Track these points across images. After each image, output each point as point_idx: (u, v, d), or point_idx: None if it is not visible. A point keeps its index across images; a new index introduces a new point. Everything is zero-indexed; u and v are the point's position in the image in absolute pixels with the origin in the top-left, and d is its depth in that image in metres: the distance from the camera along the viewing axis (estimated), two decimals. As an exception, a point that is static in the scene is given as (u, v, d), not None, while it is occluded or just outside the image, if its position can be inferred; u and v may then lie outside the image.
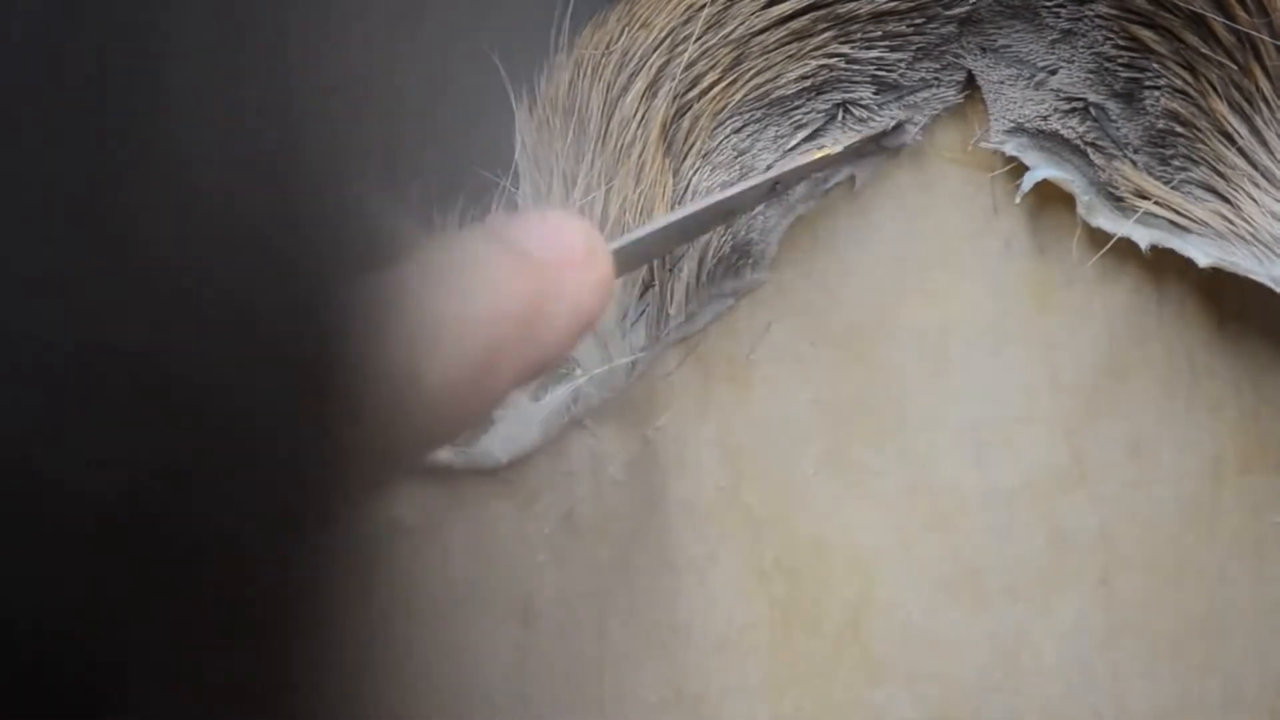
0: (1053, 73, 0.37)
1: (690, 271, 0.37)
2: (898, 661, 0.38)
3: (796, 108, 0.38)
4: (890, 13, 0.37)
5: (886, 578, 0.39)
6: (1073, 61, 0.37)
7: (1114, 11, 0.36)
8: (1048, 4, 0.37)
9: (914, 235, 0.38)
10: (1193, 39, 0.35)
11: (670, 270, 0.37)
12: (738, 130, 0.37)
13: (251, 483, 0.16)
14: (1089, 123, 0.37)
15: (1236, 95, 0.35)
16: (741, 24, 0.37)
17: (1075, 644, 0.38)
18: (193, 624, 0.16)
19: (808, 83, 0.38)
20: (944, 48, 0.38)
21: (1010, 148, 0.38)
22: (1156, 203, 0.36)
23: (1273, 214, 0.35)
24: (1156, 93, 0.36)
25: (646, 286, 0.37)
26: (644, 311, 0.38)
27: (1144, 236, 0.37)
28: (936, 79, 0.38)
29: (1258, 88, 0.35)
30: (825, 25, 0.37)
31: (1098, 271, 0.38)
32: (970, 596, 0.38)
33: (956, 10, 0.37)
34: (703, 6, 0.37)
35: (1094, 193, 0.37)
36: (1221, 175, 0.36)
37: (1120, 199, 0.37)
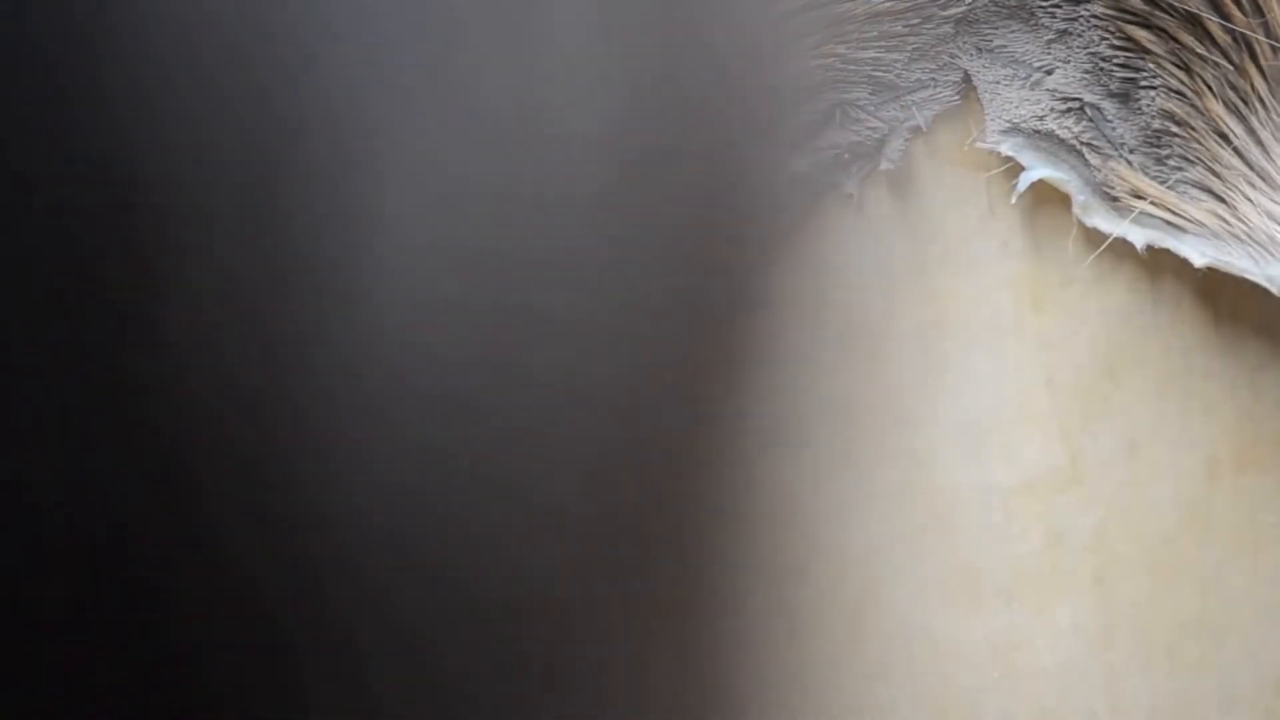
0: (1049, 73, 0.37)
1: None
2: (895, 661, 0.38)
3: (793, 108, 0.38)
4: (886, 13, 0.37)
5: (884, 578, 0.39)
6: (1068, 62, 0.37)
7: (1110, 12, 0.36)
8: (1043, 4, 0.37)
9: (910, 236, 0.38)
10: (1188, 39, 0.35)
11: None
12: (735, 130, 0.37)
13: None
14: (1085, 123, 0.37)
15: (1232, 95, 0.35)
16: (738, 24, 0.37)
17: (1071, 644, 0.38)
18: None
19: (804, 83, 0.38)
20: (940, 48, 0.38)
21: (1006, 148, 0.38)
22: (1152, 202, 0.36)
23: (1268, 213, 0.35)
24: (1152, 93, 0.36)
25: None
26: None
27: (1140, 236, 0.37)
28: (933, 79, 0.38)
29: (1253, 88, 0.35)
30: (821, 25, 0.37)
31: (1094, 271, 0.38)
32: (967, 596, 0.38)
33: (952, 11, 0.37)
34: (700, 6, 0.37)
35: (1090, 192, 0.37)
36: (1217, 175, 0.36)
37: (1116, 199, 0.37)
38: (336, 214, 0.13)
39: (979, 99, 0.38)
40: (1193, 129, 0.36)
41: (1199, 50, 0.35)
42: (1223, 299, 0.38)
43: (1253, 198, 0.35)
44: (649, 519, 0.17)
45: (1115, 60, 0.37)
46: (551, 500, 0.15)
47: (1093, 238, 0.38)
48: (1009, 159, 0.38)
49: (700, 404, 0.18)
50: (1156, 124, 0.36)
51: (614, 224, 0.15)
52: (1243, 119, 0.35)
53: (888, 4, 0.37)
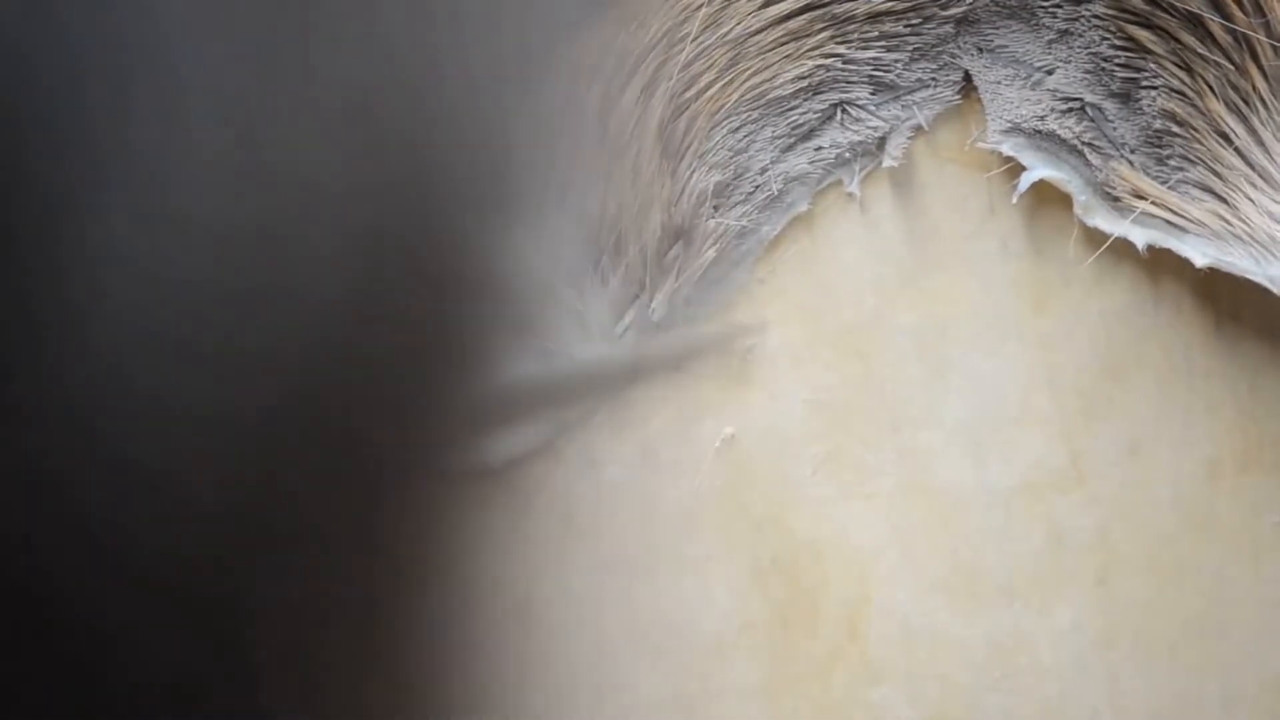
0: (1050, 73, 0.37)
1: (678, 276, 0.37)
2: (895, 661, 0.38)
3: (793, 108, 0.38)
4: (887, 13, 0.37)
5: (884, 578, 0.39)
6: (1069, 61, 0.37)
7: (1111, 12, 0.36)
8: (1044, 4, 0.37)
9: (911, 235, 0.39)
10: (1189, 39, 0.35)
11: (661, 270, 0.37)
12: (734, 130, 0.38)
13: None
14: (1086, 122, 0.37)
15: (1233, 95, 0.35)
16: (738, 24, 0.37)
17: (1073, 644, 0.38)
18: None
19: (804, 83, 0.38)
20: (941, 48, 0.38)
21: (1007, 148, 0.38)
22: (1153, 202, 0.36)
23: (1269, 214, 0.35)
24: (1153, 93, 0.36)
25: (637, 293, 0.37)
26: (635, 317, 0.38)
27: (1141, 236, 0.37)
28: (933, 79, 0.38)
29: (1254, 88, 0.35)
30: (822, 25, 0.37)
31: (1095, 272, 0.38)
32: (968, 596, 0.38)
33: (953, 10, 0.37)
34: (699, 6, 0.37)
35: (1091, 193, 0.37)
36: (1218, 175, 0.36)
37: (1117, 199, 0.37)
38: (59, 244, 0.13)
39: (980, 99, 0.38)
40: (1194, 129, 0.36)
41: (1200, 50, 0.35)
42: (1224, 299, 0.38)
43: (1254, 198, 0.35)
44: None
45: (1116, 60, 0.37)
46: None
47: (1094, 238, 0.38)
48: (1010, 159, 0.38)
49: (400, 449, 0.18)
50: (1158, 124, 0.36)
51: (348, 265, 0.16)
52: (1244, 119, 0.35)
53: (889, 4, 0.37)
